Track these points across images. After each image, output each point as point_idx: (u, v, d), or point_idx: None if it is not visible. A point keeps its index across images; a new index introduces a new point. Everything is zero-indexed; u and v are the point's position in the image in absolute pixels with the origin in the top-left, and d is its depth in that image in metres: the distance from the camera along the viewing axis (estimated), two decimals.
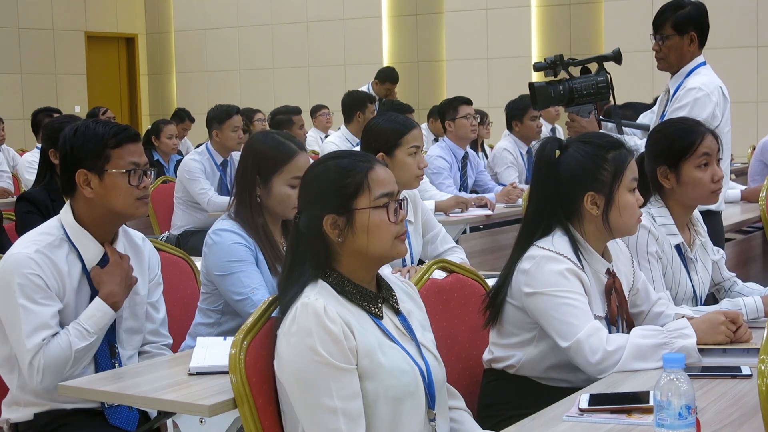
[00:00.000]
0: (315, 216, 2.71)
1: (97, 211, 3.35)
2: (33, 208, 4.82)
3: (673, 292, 3.76)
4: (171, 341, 3.64)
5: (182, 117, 11.58)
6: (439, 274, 3.63)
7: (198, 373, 3.00)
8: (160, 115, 15.17)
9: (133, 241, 3.52)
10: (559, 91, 5.31)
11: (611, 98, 5.36)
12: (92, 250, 3.36)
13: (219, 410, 2.75)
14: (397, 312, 2.78)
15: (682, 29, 5.18)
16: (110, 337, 3.39)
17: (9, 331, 3.26)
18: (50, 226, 3.39)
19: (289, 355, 2.62)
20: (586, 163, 3.23)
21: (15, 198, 8.37)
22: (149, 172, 3.41)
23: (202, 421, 2.81)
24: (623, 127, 5.41)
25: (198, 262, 4.17)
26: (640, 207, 3.34)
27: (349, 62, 15.90)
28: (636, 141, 5.24)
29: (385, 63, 15.77)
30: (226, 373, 2.78)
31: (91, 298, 3.33)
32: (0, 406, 3.45)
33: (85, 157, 3.32)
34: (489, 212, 6.94)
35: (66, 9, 16.71)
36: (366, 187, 2.70)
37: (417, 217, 4.52)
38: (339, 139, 8.74)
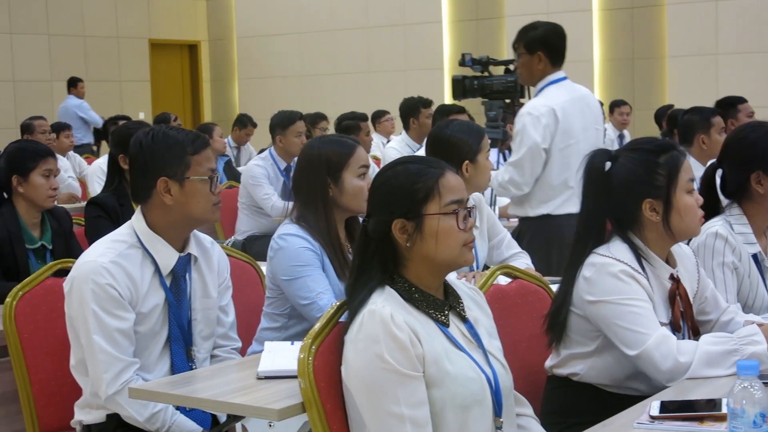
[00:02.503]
0: (384, 220, 2.71)
1: (173, 218, 3.38)
2: (102, 212, 4.87)
3: (750, 301, 3.72)
4: (240, 345, 3.68)
5: (245, 122, 11.64)
6: (503, 280, 3.63)
7: (266, 378, 3.01)
8: (224, 120, 15.28)
9: (203, 245, 3.56)
10: (473, 85, 6.17)
11: (524, 97, 5.98)
12: (167, 256, 3.40)
13: (288, 414, 2.76)
14: (464, 319, 2.78)
15: (531, 49, 5.56)
16: (187, 340, 3.44)
17: (84, 341, 3.31)
18: (122, 233, 3.42)
19: (356, 361, 2.63)
20: (639, 171, 3.19)
21: (84, 203, 8.51)
22: (219, 179, 3.45)
23: (270, 425, 2.83)
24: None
25: (262, 267, 4.20)
26: (715, 214, 3.30)
27: (410, 67, 15.91)
28: None
29: (446, 68, 15.77)
30: (294, 377, 2.80)
31: (165, 303, 3.38)
32: (73, 408, 3.51)
33: (167, 164, 3.34)
34: None
35: (130, 17, 16.89)
36: (436, 193, 2.70)
37: (482, 222, 4.52)
38: (400, 144, 8.74)
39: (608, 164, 3.24)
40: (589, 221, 3.27)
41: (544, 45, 5.57)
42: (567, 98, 5.56)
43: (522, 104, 5.85)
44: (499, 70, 6.44)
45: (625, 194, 3.21)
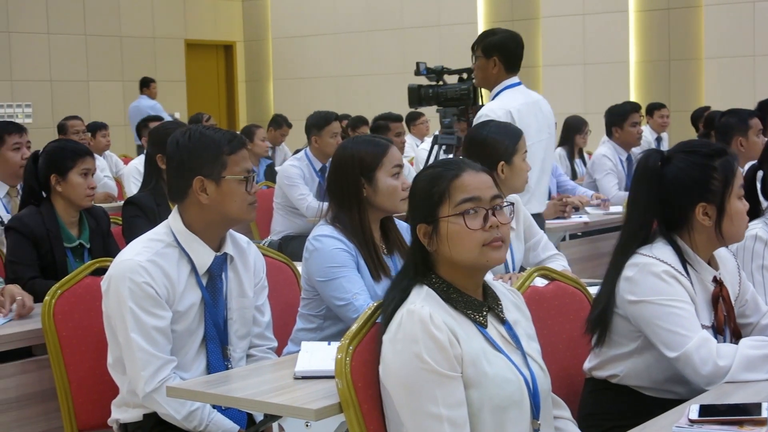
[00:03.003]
0: (412, 225, 2.75)
1: (210, 217, 3.39)
2: (139, 212, 4.89)
3: None
4: (276, 344, 3.69)
5: (280, 123, 11.67)
6: (540, 282, 3.61)
7: (303, 378, 3.01)
8: (258, 121, 15.30)
9: (239, 245, 3.57)
10: (428, 94, 6.41)
11: (477, 104, 6.27)
12: (203, 255, 3.41)
13: (325, 414, 2.76)
14: (503, 321, 2.77)
15: (488, 53, 5.72)
16: (223, 339, 3.45)
17: (122, 339, 3.32)
18: (159, 232, 3.44)
19: (394, 361, 2.63)
20: (695, 174, 3.16)
21: (121, 202, 8.55)
22: (254, 178, 3.46)
23: (307, 425, 2.82)
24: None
25: (298, 267, 4.22)
26: (755, 216, 3.28)
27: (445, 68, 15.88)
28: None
29: None
30: (331, 377, 2.81)
31: (201, 302, 3.40)
32: (110, 407, 3.52)
33: (203, 164, 3.36)
34: (587, 220, 6.89)
35: (166, 17, 16.96)
36: (447, 195, 2.70)
37: (519, 223, 4.50)
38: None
39: (660, 164, 3.21)
40: (637, 221, 3.24)
41: (500, 50, 5.71)
42: (522, 101, 5.70)
43: (475, 111, 6.03)
44: (453, 79, 6.65)
45: (678, 196, 3.17)
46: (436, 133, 6.77)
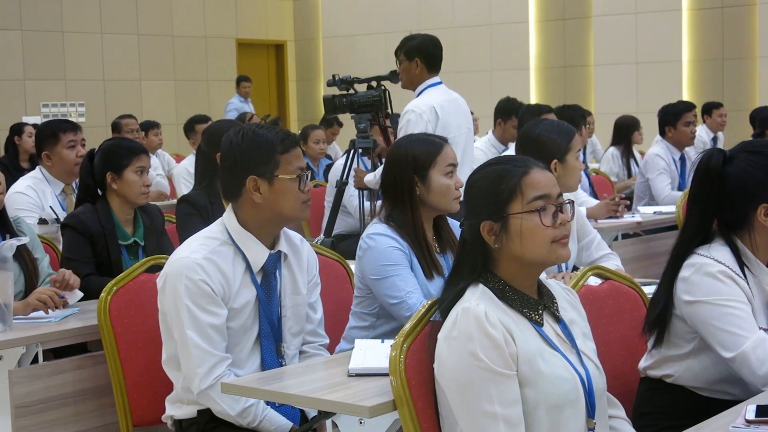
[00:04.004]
0: (474, 222, 2.73)
1: (264, 216, 3.41)
2: (193, 210, 4.92)
3: None
4: (328, 341, 3.70)
5: (331, 122, 11.69)
6: (594, 281, 3.59)
7: (357, 375, 3.02)
8: (309, 121, 15.35)
9: (292, 242, 3.58)
10: (342, 102, 6.96)
11: (387, 109, 6.88)
12: (258, 253, 3.43)
13: (379, 412, 2.76)
14: (558, 319, 2.77)
15: (410, 56, 6.41)
16: (277, 337, 3.47)
17: (178, 336, 3.35)
18: (214, 230, 3.46)
19: (449, 359, 2.63)
20: (758, 174, 3.10)
21: (173, 200, 8.60)
22: (309, 175, 3.47)
23: (361, 422, 2.82)
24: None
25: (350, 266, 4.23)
26: None
27: (496, 68, 15.85)
28: None
29: (532, 68, 15.69)
30: (385, 375, 2.81)
31: (256, 300, 3.41)
32: (164, 403, 3.55)
33: (256, 163, 3.37)
34: (639, 219, 6.85)
35: (218, 17, 17.04)
36: (519, 191, 2.69)
37: (572, 222, 4.48)
38: (485, 145, 8.68)
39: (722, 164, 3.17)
40: (696, 221, 3.20)
41: (423, 53, 6.37)
42: (444, 98, 6.34)
43: (388, 115, 6.89)
44: (362, 87, 7.16)
45: (740, 196, 3.12)
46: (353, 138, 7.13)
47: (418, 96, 6.36)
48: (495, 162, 2.80)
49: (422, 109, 6.20)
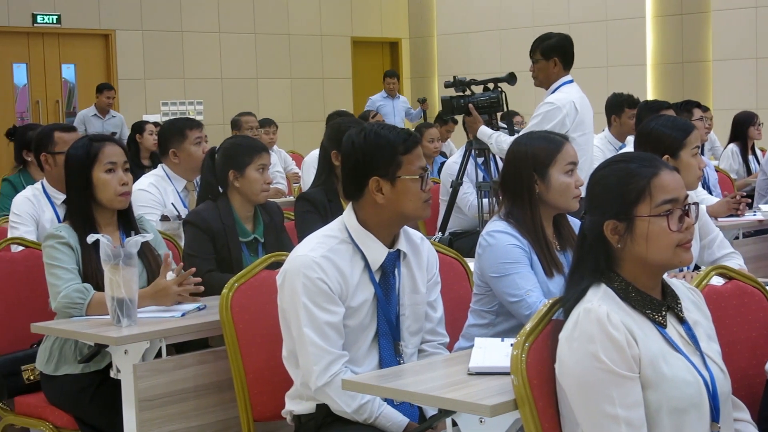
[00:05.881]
0: (597, 220, 2.69)
1: (385, 215, 3.42)
2: (312, 207, 4.96)
3: None
4: (447, 340, 3.69)
5: (446, 120, 11.67)
6: (717, 281, 3.53)
7: (477, 373, 3.01)
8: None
9: (412, 241, 3.58)
10: (460, 103, 6.90)
11: (504, 109, 6.91)
12: (377, 252, 3.44)
13: (500, 411, 2.75)
14: (682, 320, 2.73)
15: (547, 55, 6.55)
16: (395, 335, 3.48)
17: (295, 333, 3.38)
18: (333, 228, 3.48)
19: (571, 360, 2.61)
20: None
21: (290, 197, 8.69)
22: (429, 175, 3.47)
23: (481, 421, 2.81)
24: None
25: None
26: None
27: (612, 64, 15.67)
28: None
29: (649, 64, 15.47)
30: (505, 374, 2.80)
31: (374, 298, 3.42)
32: (284, 398, 3.58)
33: (378, 164, 3.37)
34: (761, 217, 6.70)
35: (333, 15, 17.16)
36: (648, 194, 2.65)
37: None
38: (601, 141, 8.59)
39: None
40: None
41: (560, 52, 6.55)
42: (579, 96, 6.55)
43: (509, 113, 7.02)
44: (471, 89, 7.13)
45: None
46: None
47: (553, 92, 6.54)
48: (623, 159, 2.76)
49: (562, 103, 6.41)
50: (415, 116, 14.97)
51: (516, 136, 6.31)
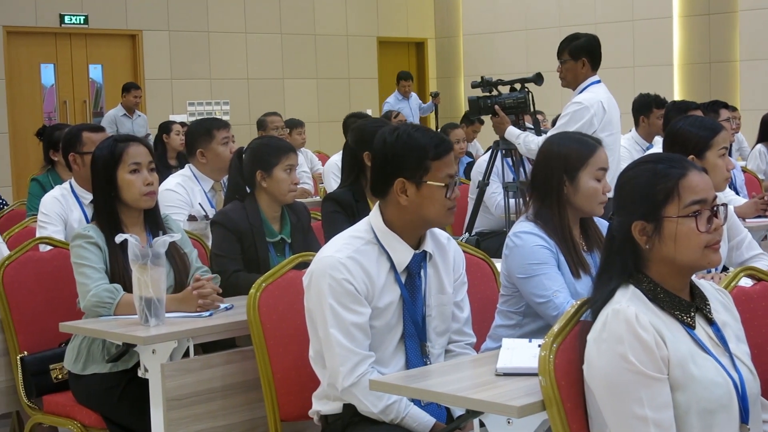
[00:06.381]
0: (625, 220, 2.69)
1: (408, 218, 3.41)
2: (338, 208, 4.95)
3: None
4: (474, 340, 3.69)
5: (472, 120, 11.67)
6: (746, 282, 3.51)
7: (505, 374, 3.01)
8: (449, 119, 15.34)
9: (438, 241, 3.58)
10: (487, 104, 6.89)
11: (531, 110, 6.91)
12: (402, 253, 3.43)
13: (528, 412, 2.75)
14: (710, 321, 2.72)
15: (575, 55, 6.60)
16: (421, 336, 3.47)
17: (322, 334, 3.38)
18: (360, 229, 3.48)
19: (599, 361, 2.61)
20: None
21: (316, 198, 8.69)
22: (458, 183, 3.45)
23: (509, 422, 2.81)
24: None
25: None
26: None
27: (638, 64, 15.62)
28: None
29: (676, 64, 15.41)
30: (533, 375, 2.80)
31: (400, 299, 3.42)
32: (311, 398, 3.59)
33: (406, 166, 3.36)
34: None
35: (359, 16, 17.17)
36: (676, 194, 2.65)
37: None
38: (629, 142, 8.56)
39: None
40: None
41: (588, 52, 6.59)
42: (607, 96, 6.60)
43: (536, 112, 7.04)
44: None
45: None
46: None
47: (580, 92, 6.58)
48: (651, 160, 2.75)
49: (590, 103, 6.47)
50: (426, 109, 15.03)
51: (547, 135, 6.38)
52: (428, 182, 3.35)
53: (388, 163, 3.39)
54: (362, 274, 3.36)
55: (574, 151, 3.76)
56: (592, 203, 3.74)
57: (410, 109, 14.50)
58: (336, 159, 8.71)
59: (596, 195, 3.73)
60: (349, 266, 3.34)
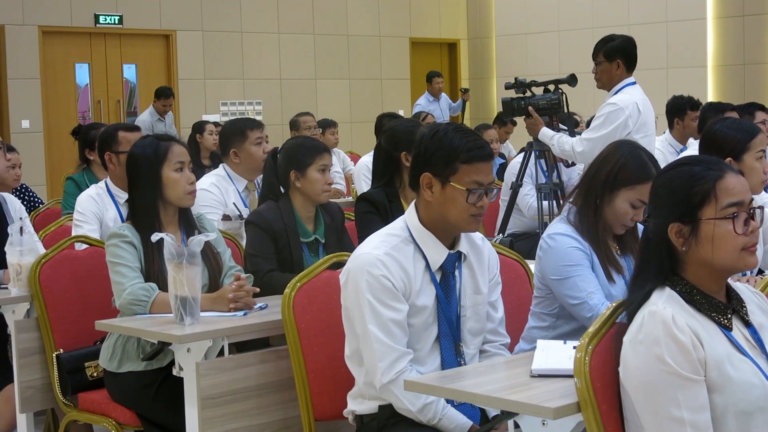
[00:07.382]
0: (661, 222, 2.68)
1: (434, 215, 3.42)
2: (372, 208, 4.95)
3: None
4: (509, 341, 3.69)
5: (504, 121, 11.65)
6: None
7: (540, 375, 3.01)
8: (482, 119, 15.34)
9: (473, 242, 3.58)
10: (521, 105, 6.90)
11: (564, 111, 6.88)
12: (436, 252, 3.44)
13: (563, 413, 2.74)
14: (747, 324, 2.70)
15: (610, 57, 6.58)
16: (456, 336, 3.48)
17: (360, 331, 3.39)
18: (396, 227, 3.49)
19: (635, 363, 2.60)
20: None
21: (349, 198, 8.69)
22: (492, 192, 3.42)
23: (544, 424, 2.81)
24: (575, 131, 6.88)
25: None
26: None
27: (672, 65, 15.55)
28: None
29: (710, 65, 15.33)
30: (568, 376, 2.80)
31: (435, 299, 3.43)
32: (345, 398, 3.60)
33: (435, 162, 3.38)
34: None
35: (392, 16, 17.17)
36: (713, 196, 2.64)
37: None
38: (662, 144, 8.53)
39: None
40: None
41: (623, 53, 6.58)
42: (642, 97, 6.57)
43: (561, 119, 6.92)
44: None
45: None
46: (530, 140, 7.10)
47: (615, 94, 6.57)
48: (687, 162, 2.74)
49: (625, 104, 6.46)
50: (456, 108, 14.99)
51: (581, 136, 6.48)
52: (452, 183, 3.36)
53: (420, 156, 3.43)
54: (400, 271, 3.37)
55: (631, 169, 3.70)
56: (617, 222, 3.72)
57: (441, 110, 14.48)
58: (366, 160, 8.71)
59: (624, 217, 3.69)
60: (387, 263, 3.36)
